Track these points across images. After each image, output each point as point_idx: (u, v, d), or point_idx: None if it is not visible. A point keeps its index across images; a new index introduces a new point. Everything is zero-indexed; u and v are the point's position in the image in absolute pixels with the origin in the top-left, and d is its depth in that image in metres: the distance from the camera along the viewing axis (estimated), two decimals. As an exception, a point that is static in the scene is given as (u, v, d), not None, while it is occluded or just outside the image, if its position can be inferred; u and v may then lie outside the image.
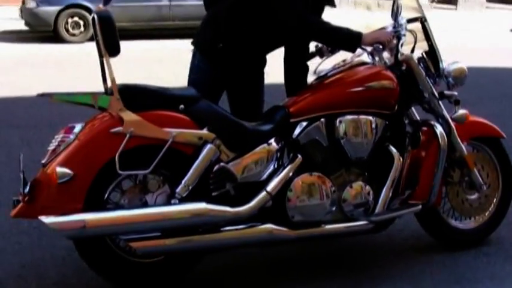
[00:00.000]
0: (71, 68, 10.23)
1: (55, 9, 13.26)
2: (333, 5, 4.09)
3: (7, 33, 14.37)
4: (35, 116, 7.20)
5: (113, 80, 3.34)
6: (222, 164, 3.53)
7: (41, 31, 13.69)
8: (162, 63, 10.78)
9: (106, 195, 3.45)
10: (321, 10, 4.10)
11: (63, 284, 3.75)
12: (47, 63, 10.71)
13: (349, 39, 3.89)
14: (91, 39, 3.29)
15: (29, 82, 8.79)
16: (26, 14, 13.67)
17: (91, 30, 11.21)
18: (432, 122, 4.04)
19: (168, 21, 14.26)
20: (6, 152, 5.94)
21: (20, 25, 14.01)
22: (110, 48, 3.32)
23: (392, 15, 3.95)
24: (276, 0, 3.80)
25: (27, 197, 3.28)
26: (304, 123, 3.76)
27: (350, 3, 20.69)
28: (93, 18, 3.32)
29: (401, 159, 3.90)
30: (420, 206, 3.92)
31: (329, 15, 4.30)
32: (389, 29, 3.96)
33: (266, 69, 4.22)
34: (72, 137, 3.40)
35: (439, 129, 3.98)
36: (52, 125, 6.22)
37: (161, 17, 14.20)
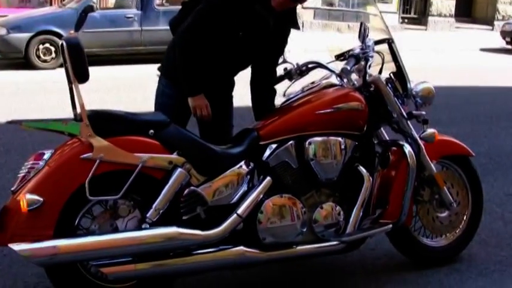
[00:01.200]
0: (42, 94, 10.18)
1: (26, 35, 13.17)
2: (297, 28, 4.13)
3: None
4: (5, 143, 7.14)
5: (82, 106, 3.34)
6: (192, 187, 3.53)
7: (12, 58, 13.62)
8: (133, 88, 10.77)
9: (76, 221, 3.43)
10: (287, 32, 4.14)
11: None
12: (18, 90, 10.67)
13: (185, 86, 3.99)
14: (62, 65, 3.30)
15: (-1, 109, 8.75)
16: (-3, 41, 13.62)
17: (62, 56, 11.18)
18: (401, 142, 4.08)
19: (139, 46, 14.25)
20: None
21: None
22: (78, 75, 3.31)
23: (359, 37, 4.00)
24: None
25: None
26: (274, 146, 3.78)
27: (320, 26, 20.86)
28: (62, 45, 3.32)
29: (371, 179, 3.93)
30: (391, 225, 3.95)
31: (300, 38, 4.34)
32: (357, 50, 4.01)
33: (235, 93, 4.25)
34: (41, 163, 3.39)
35: (408, 148, 4.02)
36: (23, 151, 6.20)
37: (132, 42, 14.19)
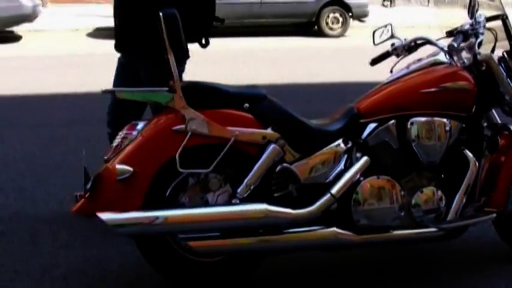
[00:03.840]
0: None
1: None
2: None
3: (100, 30, 14.67)
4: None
5: (175, 78, 3.31)
6: (285, 164, 3.44)
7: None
8: (251, 61, 10.73)
9: (167, 193, 3.41)
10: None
11: (124, 280, 3.76)
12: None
13: None
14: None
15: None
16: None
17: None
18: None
19: (258, 18, 14.24)
20: (76, 147, 5.99)
21: (112, 22, 14.22)
22: (174, 46, 3.29)
23: (468, 12, 3.77)
24: None
25: (89, 193, 3.28)
26: (374, 124, 3.63)
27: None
28: (158, 16, 3.29)
29: (477, 164, 3.71)
30: (495, 214, 3.72)
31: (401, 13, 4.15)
32: (466, 26, 3.78)
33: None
34: (134, 133, 3.39)
35: None
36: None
37: (252, 15, 14.19)
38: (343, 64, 10.63)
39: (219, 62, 10.08)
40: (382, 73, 4.05)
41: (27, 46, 13.22)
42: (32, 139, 6.49)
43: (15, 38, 14.08)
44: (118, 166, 3.25)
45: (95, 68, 9.90)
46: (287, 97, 5.66)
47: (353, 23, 15.20)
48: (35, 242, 4.21)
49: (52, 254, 4.04)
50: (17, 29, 14.39)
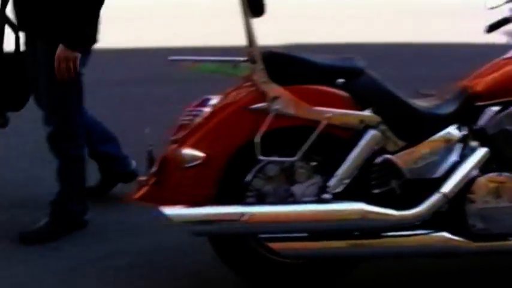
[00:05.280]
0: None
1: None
2: None
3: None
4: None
5: (255, 46, 2.81)
6: (387, 155, 2.89)
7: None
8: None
9: (246, 180, 2.93)
10: None
11: (196, 276, 3.29)
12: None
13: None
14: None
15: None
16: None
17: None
18: None
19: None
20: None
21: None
22: (253, 7, 2.79)
23: None
24: None
25: (154, 179, 2.87)
26: (495, 109, 3.02)
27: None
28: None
29: None
30: None
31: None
32: None
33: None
34: (206, 111, 2.91)
35: None
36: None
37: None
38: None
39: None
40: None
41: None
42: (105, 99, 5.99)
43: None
44: (187, 151, 2.81)
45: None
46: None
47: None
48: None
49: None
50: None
